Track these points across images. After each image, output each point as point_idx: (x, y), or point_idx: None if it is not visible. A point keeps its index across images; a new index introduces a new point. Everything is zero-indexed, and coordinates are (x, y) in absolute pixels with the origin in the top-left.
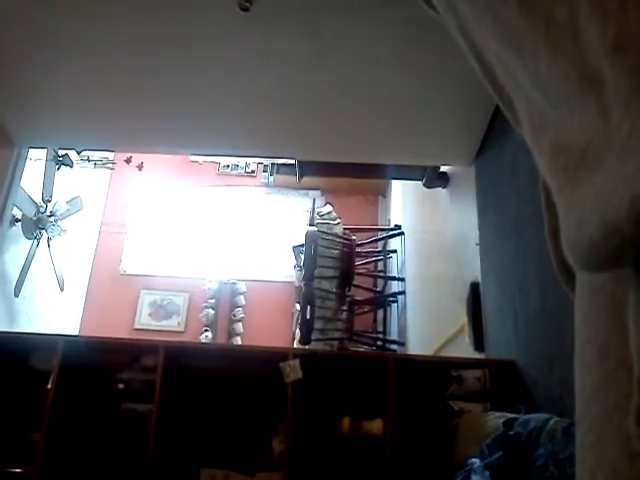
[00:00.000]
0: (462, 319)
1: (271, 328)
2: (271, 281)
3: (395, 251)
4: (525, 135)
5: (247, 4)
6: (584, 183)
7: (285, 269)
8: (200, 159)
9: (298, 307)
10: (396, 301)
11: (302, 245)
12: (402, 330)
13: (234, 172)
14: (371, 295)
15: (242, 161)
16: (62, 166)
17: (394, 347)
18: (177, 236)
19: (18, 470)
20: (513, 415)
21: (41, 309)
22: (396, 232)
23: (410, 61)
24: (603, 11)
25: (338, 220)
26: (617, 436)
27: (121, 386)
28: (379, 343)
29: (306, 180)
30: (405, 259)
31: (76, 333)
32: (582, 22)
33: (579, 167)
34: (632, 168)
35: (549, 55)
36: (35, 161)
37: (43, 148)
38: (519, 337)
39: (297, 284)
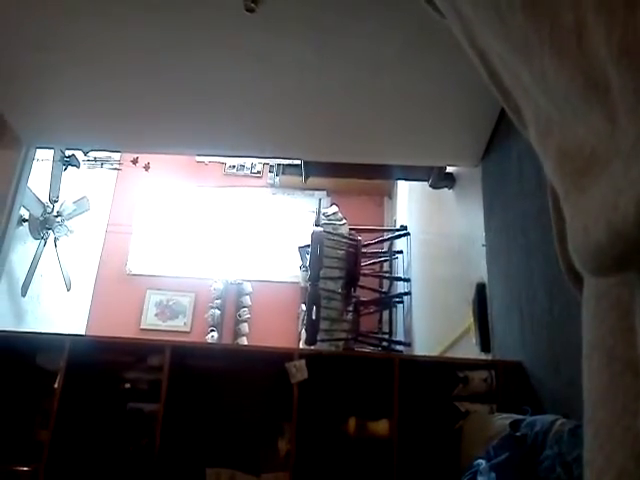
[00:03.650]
0: (468, 320)
1: (277, 328)
2: (277, 281)
3: (401, 252)
4: (531, 138)
5: (253, 5)
6: (590, 188)
7: (291, 270)
8: (206, 160)
9: (304, 307)
10: (402, 302)
11: (308, 246)
12: (408, 331)
13: (240, 173)
14: (377, 296)
15: (248, 162)
16: (69, 166)
17: (400, 348)
18: (183, 236)
19: (25, 469)
20: (519, 416)
21: (48, 309)
22: (402, 233)
23: (416, 62)
24: (609, 16)
25: (344, 221)
26: (625, 437)
27: (127, 385)
28: (385, 344)
29: (312, 181)
30: (411, 260)
31: (83, 333)
32: (588, 26)
33: (585, 172)
34: (638, 173)
35: (555, 59)
36: (42, 161)
37: (50, 148)
38: (525, 338)
39: (303, 285)
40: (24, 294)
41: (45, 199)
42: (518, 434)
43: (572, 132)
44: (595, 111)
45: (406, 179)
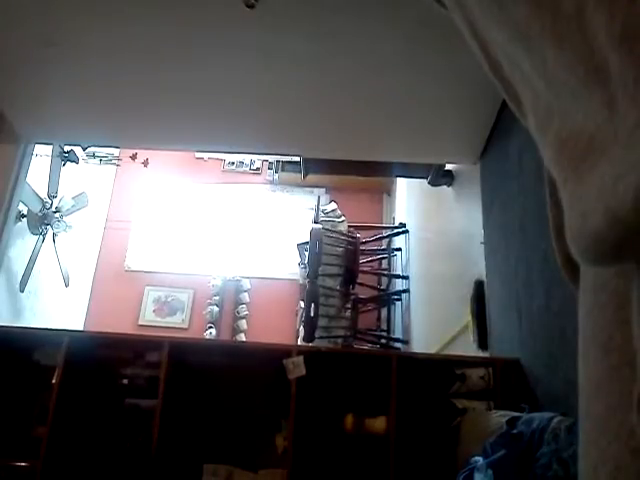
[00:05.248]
0: (466, 317)
1: (275, 325)
2: (275, 278)
3: (399, 249)
4: (530, 128)
5: (253, 0)
6: (589, 174)
7: (289, 266)
8: (205, 156)
9: (302, 304)
10: (400, 299)
11: (306, 243)
12: (406, 328)
13: (239, 169)
14: (375, 293)
15: (247, 158)
16: (68, 162)
17: (398, 345)
18: (182, 233)
19: (23, 464)
20: (517, 414)
21: (46, 304)
22: (401, 230)
23: (416, 59)
24: (611, 1)
25: (343, 218)
26: (620, 431)
27: (125, 381)
28: (383, 341)
29: (311, 178)
30: (409, 257)
31: (81, 328)
32: (589, 12)
33: (584, 158)
34: (638, 158)
35: (555, 46)
36: (41, 157)
37: (49, 144)
38: (523, 335)
39: (301, 281)
40: (22, 290)
41: (44, 195)
42: (515, 431)
43: (571, 119)
44: (595, 97)
45: (405, 176)
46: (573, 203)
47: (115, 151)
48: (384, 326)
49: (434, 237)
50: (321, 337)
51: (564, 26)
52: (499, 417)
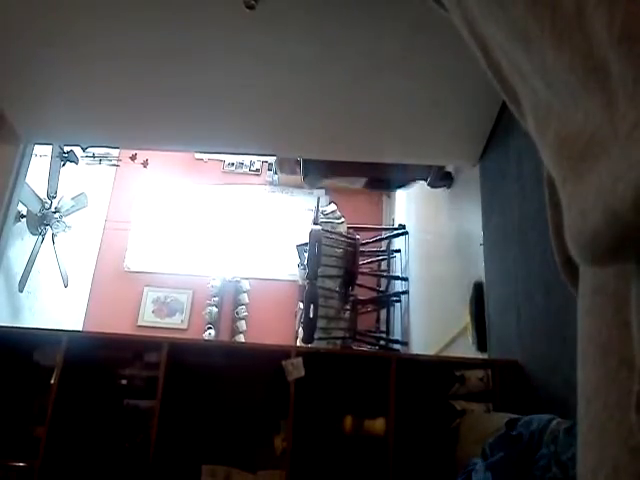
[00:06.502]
0: (465, 319)
1: (274, 326)
2: (275, 279)
3: (399, 250)
4: (530, 128)
5: (253, 2)
6: (588, 173)
7: (289, 268)
8: (205, 157)
9: (301, 306)
10: (399, 301)
11: (306, 244)
12: (405, 330)
13: (239, 170)
14: (374, 294)
15: (247, 159)
16: (67, 162)
17: (397, 347)
18: (181, 234)
19: (21, 464)
20: (515, 415)
21: (45, 305)
22: (400, 232)
23: (415, 62)
24: (611, 1)
25: (342, 219)
26: (619, 433)
27: (124, 382)
28: (382, 342)
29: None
30: (409, 259)
31: (80, 329)
32: (589, 12)
33: (583, 158)
34: (637, 157)
35: (555, 46)
36: (40, 157)
37: (49, 144)
38: (522, 337)
39: (300, 283)
40: (21, 290)
41: (43, 195)
42: (514, 433)
43: (571, 119)
44: (594, 97)
45: (404, 185)
46: (572, 202)
47: (115, 152)
48: (383, 327)
49: (433, 239)
50: (320, 338)
51: (564, 26)
52: (498, 419)
